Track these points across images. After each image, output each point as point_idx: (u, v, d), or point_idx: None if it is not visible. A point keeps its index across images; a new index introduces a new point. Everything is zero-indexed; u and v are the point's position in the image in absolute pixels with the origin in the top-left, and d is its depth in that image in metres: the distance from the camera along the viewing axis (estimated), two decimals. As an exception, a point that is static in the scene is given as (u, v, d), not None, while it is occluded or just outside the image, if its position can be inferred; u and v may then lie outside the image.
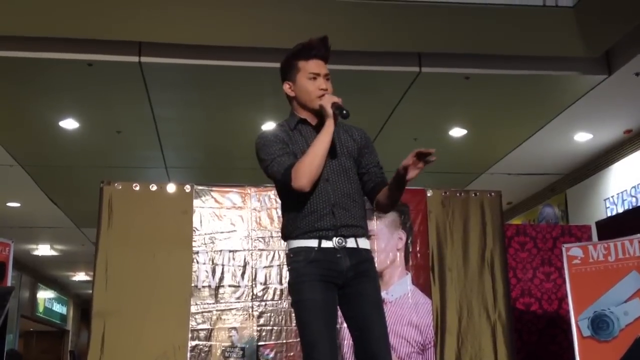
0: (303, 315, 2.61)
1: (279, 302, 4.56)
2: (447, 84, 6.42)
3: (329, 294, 2.63)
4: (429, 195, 4.92)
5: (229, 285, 4.57)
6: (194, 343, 4.42)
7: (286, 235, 2.75)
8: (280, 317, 4.53)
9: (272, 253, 4.64)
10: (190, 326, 4.44)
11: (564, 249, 5.00)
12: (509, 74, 6.24)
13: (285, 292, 4.52)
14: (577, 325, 4.79)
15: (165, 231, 4.59)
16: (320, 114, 2.71)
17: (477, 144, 7.90)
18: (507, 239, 5.40)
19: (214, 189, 4.77)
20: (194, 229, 4.63)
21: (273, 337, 4.49)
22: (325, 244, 2.63)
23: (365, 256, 2.70)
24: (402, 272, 4.77)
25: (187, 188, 4.73)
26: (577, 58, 6.13)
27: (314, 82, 2.73)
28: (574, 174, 8.85)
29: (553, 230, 5.96)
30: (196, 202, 4.69)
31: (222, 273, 4.58)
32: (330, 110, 2.64)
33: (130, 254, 4.49)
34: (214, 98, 6.75)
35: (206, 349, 4.43)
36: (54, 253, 13.59)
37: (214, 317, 4.49)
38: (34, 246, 13.02)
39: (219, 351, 4.44)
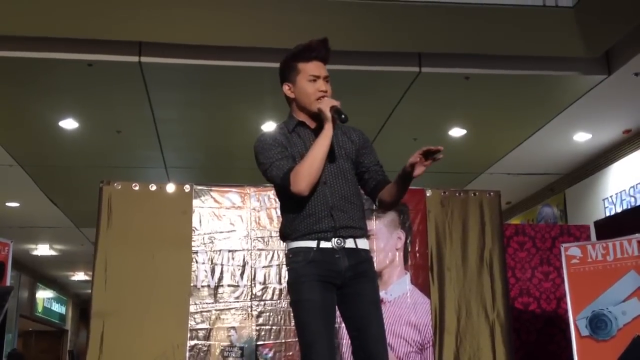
0: (301, 315, 2.62)
1: (278, 301, 4.56)
2: (447, 84, 6.43)
3: (328, 294, 2.63)
4: (428, 195, 4.93)
5: (228, 285, 4.57)
6: (192, 342, 4.42)
7: (285, 236, 2.75)
8: (279, 317, 4.54)
9: (271, 253, 4.65)
10: (189, 326, 4.44)
11: (562, 249, 5.01)
12: (509, 74, 6.25)
13: (284, 292, 4.52)
14: (576, 325, 4.79)
15: (164, 231, 4.59)
16: (318, 117, 2.71)
17: (477, 143, 7.91)
18: (506, 239, 5.40)
19: (213, 188, 4.77)
20: (193, 228, 4.63)
21: (272, 337, 4.50)
22: (324, 244, 2.64)
23: (364, 257, 2.71)
24: (401, 272, 4.77)
25: (187, 188, 4.73)
26: (576, 58, 6.14)
27: (313, 84, 2.73)
28: (573, 173, 8.87)
29: (552, 230, 5.96)
30: (195, 202, 4.69)
31: (221, 273, 4.59)
32: (328, 114, 2.64)
33: (130, 254, 4.50)
34: (214, 98, 6.76)
35: (205, 348, 4.44)
36: (53, 253, 13.60)
37: (213, 317, 4.50)
38: (33, 246, 13.02)
39: (217, 351, 4.45)
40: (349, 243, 2.66)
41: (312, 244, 2.64)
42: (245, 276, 4.60)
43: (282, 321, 4.53)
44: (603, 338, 4.69)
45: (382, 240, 4.77)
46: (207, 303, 4.52)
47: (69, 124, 7.17)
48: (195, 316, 4.48)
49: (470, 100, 6.80)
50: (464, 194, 5.03)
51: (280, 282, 4.57)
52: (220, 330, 4.49)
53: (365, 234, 2.75)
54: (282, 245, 2.81)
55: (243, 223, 4.70)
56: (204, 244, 4.62)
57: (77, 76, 6.12)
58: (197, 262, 4.58)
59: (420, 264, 4.80)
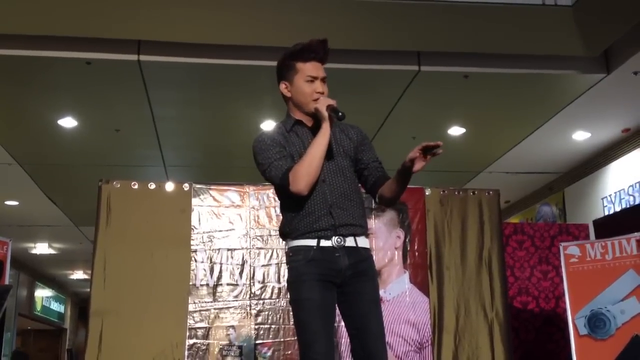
0: (301, 314, 2.62)
1: (277, 300, 4.56)
2: (446, 83, 6.43)
3: (328, 293, 2.64)
4: (427, 193, 4.93)
5: (227, 284, 4.57)
6: (191, 341, 4.42)
7: (285, 235, 2.76)
8: (278, 316, 4.54)
9: (270, 251, 4.65)
10: (188, 324, 4.44)
11: (561, 248, 5.01)
12: (508, 72, 6.25)
13: (283, 291, 4.52)
14: (574, 324, 4.80)
15: (163, 229, 4.59)
16: (315, 116, 2.72)
17: (476, 142, 7.91)
18: (505, 238, 5.40)
19: (212, 187, 4.77)
20: (192, 227, 4.63)
21: (271, 336, 4.50)
22: (324, 243, 2.64)
23: (364, 255, 2.71)
24: (400, 271, 4.77)
25: (186, 186, 4.73)
26: (575, 57, 6.13)
27: (311, 85, 2.74)
28: (572, 172, 8.87)
29: (551, 228, 5.97)
30: (194, 201, 4.69)
31: (220, 271, 4.59)
32: (325, 113, 2.65)
33: (129, 253, 4.50)
34: (213, 97, 6.75)
35: (204, 347, 4.44)
36: (52, 251, 13.59)
37: (212, 316, 4.50)
38: (32, 244, 13.01)
39: (216, 349, 4.45)
40: (349, 241, 2.66)
41: (312, 242, 2.64)
42: (244, 275, 4.60)
43: (281, 320, 4.53)
44: (601, 337, 4.69)
45: (381, 239, 4.77)
46: (206, 302, 4.52)
47: (67, 122, 7.16)
48: (194, 315, 4.48)
49: (469, 99, 6.79)
50: (463, 193, 5.04)
51: (279, 281, 4.57)
52: (219, 329, 4.49)
53: (365, 231, 2.75)
54: (281, 243, 2.82)
55: (242, 222, 4.70)
56: (203, 242, 4.62)
57: (76, 75, 6.11)
58: (196, 260, 4.58)
59: (419, 263, 4.81)
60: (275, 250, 4.63)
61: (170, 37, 5.75)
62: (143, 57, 5.83)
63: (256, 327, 4.51)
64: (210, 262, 4.60)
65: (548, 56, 6.13)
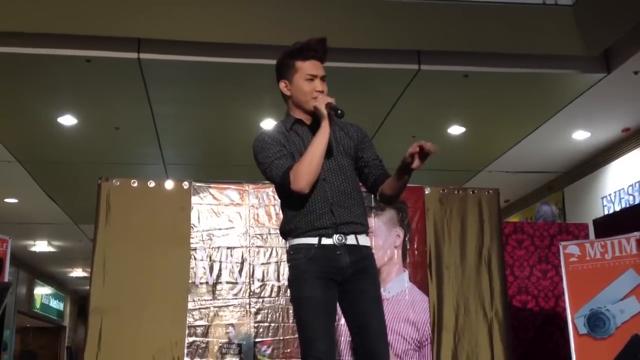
0: (302, 312, 2.62)
1: (277, 299, 4.56)
2: (446, 82, 6.43)
3: (329, 291, 2.64)
4: (426, 192, 4.93)
5: (227, 282, 4.57)
6: (191, 339, 4.42)
7: (286, 233, 2.76)
8: (277, 314, 4.54)
9: (269, 250, 4.64)
10: (188, 322, 4.44)
11: (561, 247, 5.01)
12: (508, 72, 6.25)
13: (283, 289, 4.53)
14: (574, 323, 4.80)
15: (163, 228, 4.59)
16: (315, 114, 2.72)
17: (476, 141, 7.91)
18: (504, 237, 5.40)
19: (212, 185, 4.77)
20: (191, 225, 4.63)
21: (270, 334, 4.50)
22: (325, 241, 2.65)
23: (365, 253, 2.71)
24: (400, 269, 4.77)
25: (185, 185, 4.73)
26: (576, 56, 6.14)
27: (310, 84, 2.74)
28: (571, 172, 8.87)
29: (550, 228, 5.97)
30: (194, 199, 4.69)
31: (220, 270, 4.59)
32: (324, 111, 2.66)
33: (128, 251, 4.50)
34: (212, 95, 6.75)
35: (203, 345, 4.44)
36: (51, 249, 13.60)
37: (211, 314, 4.50)
38: (31, 242, 13.02)
39: (216, 347, 4.45)
40: (351, 239, 2.67)
41: (314, 240, 2.64)
42: (243, 273, 4.60)
43: (281, 318, 4.53)
44: (601, 336, 4.69)
45: (381, 238, 4.77)
46: (205, 300, 4.52)
47: (67, 120, 7.16)
48: (194, 313, 4.48)
49: (469, 98, 6.80)
50: (463, 192, 5.04)
51: (278, 280, 4.57)
52: (219, 327, 4.49)
53: (366, 230, 2.75)
54: (281, 242, 2.82)
55: (242, 220, 4.70)
56: (203, 240, 4.62)
57: (75, 72, 6.11)
58: (195, 259, 4.58)
59: (419, 262, 4.81)
60: (274, 249, 4.62)
61: (170, 35, 5.75)
62: (143, 55, 5.83)
63: (256, 325, 4.51)
64: (210, 260, 4.60)
65: (548, 56, 6.14)
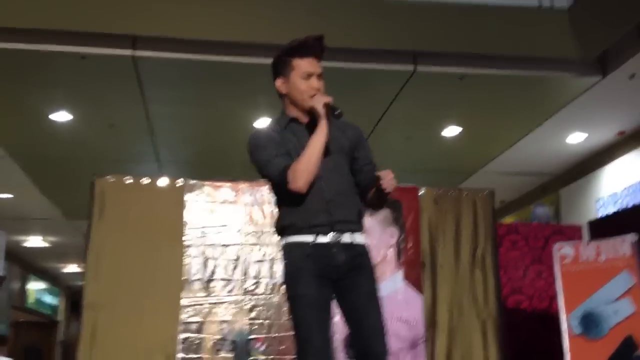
0: (298, 310, 2.62)
1: (271, 296, 4.57)
2: (442, 84, 6.43)
3: (324, 289, 2.63)
4: (421, 193, 4.94)
5: (221, 279, 4.58)
6: (185, 335, 4.42)
7: (281, 230, 2.75)
8: (271, 311, 4.54)
9: (264, 247, 4.65)
10: (182, 319, 4.44)
11: (555, 248, 5.02)
12: (504, 74, 6.25)
13: (277, 287, 4.53)
14: (568, 324, 4.81)
15: (156, 224, 4.59)
16: (311, 112, 2.72)
17: (471, 143, 7.91)
18: (498, 238, 5.41)
19: (206, 183, 4.77)
20: (185, 222, 4.63)
21: (264, 331, 4.50)
22: (321, 239, 2.64)
23: (360, 250, 2.71)
24: (394, 269, 4.78)
25: (179, 182, 4.73)
26: (571, 60, 6.14)
27: (307, 81, 2.73)
28: (566, 174, 8.89)
29: (544, 229, 5.98)
30: (188, 196, 4.70)
31: (214, 267, 4.59)
32: (322, 111, 2.65)
33: (122, 247, 4.50)
34: (208, 93, 6.74)
35: (197, 341, 4.44)
36: (45, 245, 13.57)
37: (205, 310, 4.50)
38: (24, 237, 12.98)
39: (210, 344, 4.45)
40: (346, 238, 2.66)
41: (309, 238, 2.64)
42: (237, 270, 4.60)
43: (275, 315, 4.53)
44: (594, 337, 4.71)
45: (375, 237, 4.77)
46: (199, 296, 4.52)
47: (61, 116, 7.13)
48: (188, 309, 4.48)
49: (465, 99, 6.80)
50: (457, 193, 5.05)
51: (272, 277, 4.58)
52: (213, 323, 4.49)
53: (362, 228, 2.75)
54: (275, 240, 2.81)
55: (236, 218, 4.70)
56: (197, 237, 4.62)
57: (70, 69, 6.09)
58: (189, 255, 4.58)
59: (413, 261, 4.81)
60: (268, 246, 4.63)
61: (165, 32, 5.74)
62: (138, 53, 5.81)
63: (250, 322, 4.51)
64: (204, 257, 4.60)
65: (544, 59, 6.14)
